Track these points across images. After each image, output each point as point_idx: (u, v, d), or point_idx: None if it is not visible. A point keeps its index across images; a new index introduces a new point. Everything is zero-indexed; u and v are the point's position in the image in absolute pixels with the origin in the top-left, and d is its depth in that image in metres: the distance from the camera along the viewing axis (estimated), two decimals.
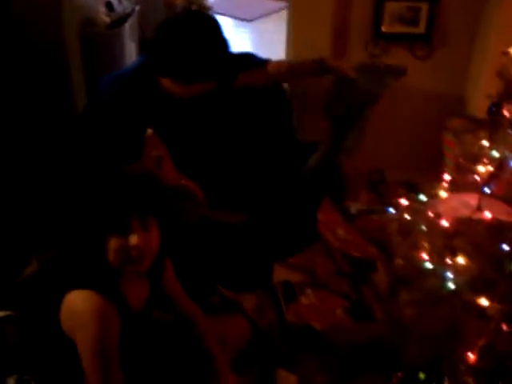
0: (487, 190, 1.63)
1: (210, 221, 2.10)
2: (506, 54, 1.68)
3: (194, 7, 4.60)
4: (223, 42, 1.88)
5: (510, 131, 1.63)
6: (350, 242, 2.44)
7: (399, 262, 1.96)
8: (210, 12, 4.95)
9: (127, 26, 2.94)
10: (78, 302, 1.37)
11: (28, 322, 1.55)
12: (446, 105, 2.63)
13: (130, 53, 3.08)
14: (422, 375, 1.71)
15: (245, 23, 5.07)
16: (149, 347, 1.59)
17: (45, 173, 2.40)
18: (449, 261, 1.67)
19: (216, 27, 1.87)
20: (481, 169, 1.72)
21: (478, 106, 2.37)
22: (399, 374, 1.84)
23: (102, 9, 2.82)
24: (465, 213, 1.66)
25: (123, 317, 1.40)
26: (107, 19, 2.82)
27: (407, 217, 1.91)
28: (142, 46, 3.35)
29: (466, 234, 1.63)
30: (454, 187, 1.88)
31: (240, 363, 1.79)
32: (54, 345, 1.44)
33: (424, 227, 1.82)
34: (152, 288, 1.55)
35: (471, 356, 1.56)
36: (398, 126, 2.78)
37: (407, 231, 1.91)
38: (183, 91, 1.88)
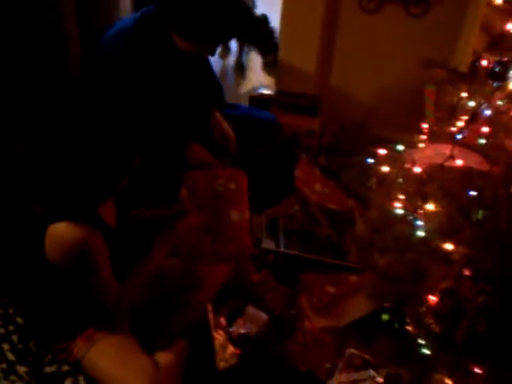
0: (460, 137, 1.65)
1: None
2: (489, 4, 1.68)
3: None
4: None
5: (486, 81, 1.64)
6: (327, 195, 2.45)
7: (374, 212, 2.00)
8: None
9: None
10: (64, 233, 1.42)
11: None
12: (437, 63, 2.61)
13: (125, 4, 3.06)
14: (385, 316, 1.76)
15: None
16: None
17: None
18: (419, 209, 1.71)
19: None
20: (458, 122, 1.74)
21: (466, 62, 2.36)
22: None
23: None
24: (438, 161, 1.68)
25: (106, 236, 1.50)
26: None
27: (385, 168, 1.94)
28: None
29: (438, 180, 1.66)
30: (432, 138, 1.90)
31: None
32: (36, 271, 1.52)
33: (400, 177, 1.85)
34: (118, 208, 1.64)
35: (433, 299, 1.60)
36: (386, 83, 2.79)
37: (383, 181, 1.94)
38: (196, 50, 1.97)
